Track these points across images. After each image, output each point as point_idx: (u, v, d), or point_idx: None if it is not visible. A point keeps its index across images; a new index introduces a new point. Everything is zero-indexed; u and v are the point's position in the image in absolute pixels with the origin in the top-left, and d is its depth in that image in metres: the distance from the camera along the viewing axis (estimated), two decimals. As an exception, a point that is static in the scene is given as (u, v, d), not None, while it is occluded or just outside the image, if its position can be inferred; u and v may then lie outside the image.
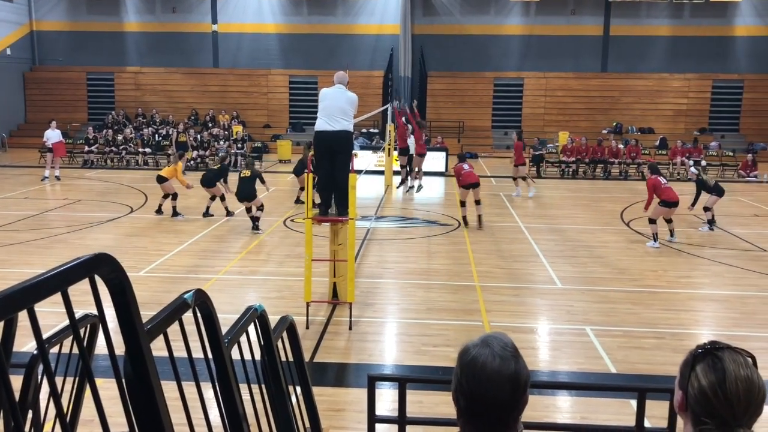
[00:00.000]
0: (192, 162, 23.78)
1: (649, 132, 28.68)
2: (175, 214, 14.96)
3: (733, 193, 18.58)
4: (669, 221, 13.07)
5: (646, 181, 13.51)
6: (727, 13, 28.89)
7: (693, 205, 14.29)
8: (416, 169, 18.52)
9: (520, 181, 18.63)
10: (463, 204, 14.48)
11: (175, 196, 15.02)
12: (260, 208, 13.91)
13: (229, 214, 15.04)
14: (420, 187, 18.29)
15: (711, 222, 14.42)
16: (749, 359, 1.53)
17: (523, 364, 1.56)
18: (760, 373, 1.54)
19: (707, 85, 29.33)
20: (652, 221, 12.91)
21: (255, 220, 13.76)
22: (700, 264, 11.81)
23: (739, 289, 10.27)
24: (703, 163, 23.39)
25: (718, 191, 14.31)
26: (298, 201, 16.44)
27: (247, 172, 14.08)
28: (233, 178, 14.82)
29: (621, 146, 23.90)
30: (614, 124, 28.90)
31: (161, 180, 14.92)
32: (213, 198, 15.12)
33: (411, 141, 18.85)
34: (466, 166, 14.51)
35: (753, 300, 9.72)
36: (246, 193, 13.80)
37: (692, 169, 15.65)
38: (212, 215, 14.96)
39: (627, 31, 29.20)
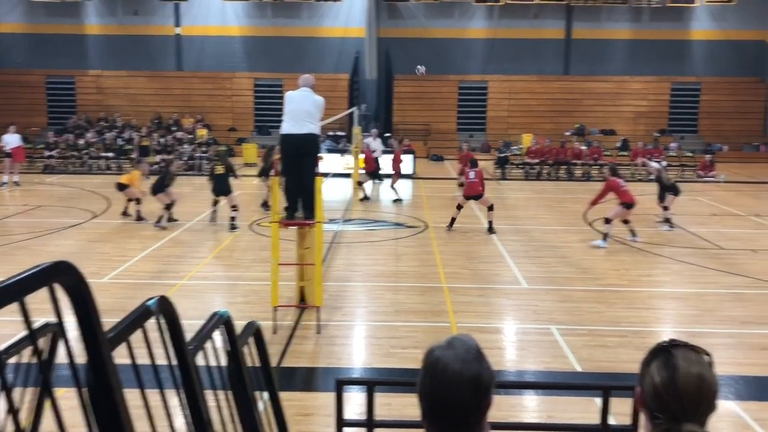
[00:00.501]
0: (156, 166, 23.47)
1: (611, 133, 29.18)
2: (139, 218, 14.74)
3: (692, 193, 19.01)
4: (626, 222, 13.19)
5: (605, 182, 13.65)
6: (684, 17, 29.56)
7: (661, 199, 14.62)
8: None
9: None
10: (459, 207, 14.33)
11: (139, 201, 14.80)
12: (235, 207, 14.15)
13: (170, 220, 14.45)
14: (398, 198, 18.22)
15: (668, 221, 14.73)
16: (705, 357, 1.58)
17: (486, 366, 1.58)
18: (716, 370, 1.58)
19: (666, 87, 29.96)
20: (608, 221, 12.97)
21: (231, 219, 14.10)
22: (660, 262, 12.05)
23: (698, 287, 10.52)
24: (664, 163, 23.90)
25: (675, 190, 14.64)
26: (264, 205, 16.34)
27: (221, 169, 14.47)
28: (184, 182, 14.78)
29: (583, 148, 24.26)
30: (577, 126, 29.33)
31: (122, 187, 14.85)
32: (168, 206, 14.47)
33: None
34: (472, 174, 14.14)
35: (711, 297, 9.95)
36: (221, 188, 14.29)
37: (653, 164, 15.89)
38: (176, 220, 14.71)
39: (588, 34, 29.68)
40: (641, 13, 29.58)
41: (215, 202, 14.98)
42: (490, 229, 13.96)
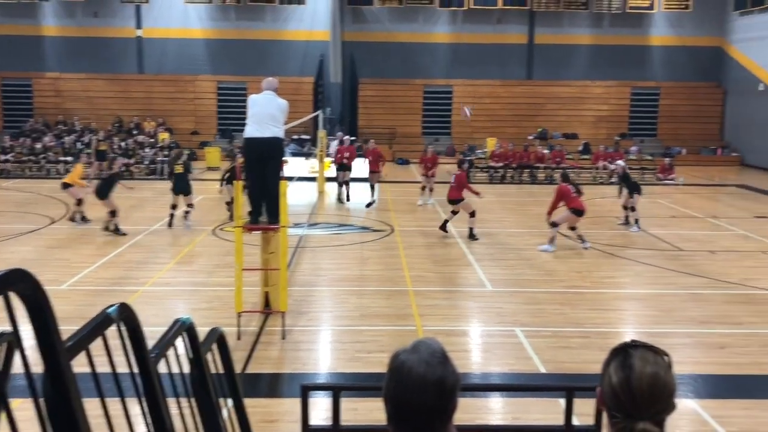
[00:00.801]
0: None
1: (573, 137, 29.62)
2: (83, 220, 14.56)
3: (652, 196, 19.39)
4: (573, 228, 13.15)
5: (557, 187, 13.57)
6: (643, 23, 30.19)
7: (629, 195, 14.90)
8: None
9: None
10: (453, 212, 14.11)
11: (80, 202, 14.54)
12: (191, 206, 14.70)
13: (117, 232, 13.70)
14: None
15: (629, 221, 14.96)
16: (662, 357, 1.61)
17: (451, 369, 1.58)
18: (675, 369, 1.61)
19: (626, 92, 30.54)
20: (554, 225, 12.95)
21: (186, 213, 14.65)
22: (622, 264, 12.26)
23: (659, 288, 10.73)
24: (612, 167, 24.38)
25: (638, 190, 14.94)
26: (230, 204, 16.22)
27: (180, 168, 14.76)
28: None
29: (546, 151, 24.57)
30: (539, 129, 29.71)
31: (65, 186, 14.69)
32: (112, 213, 13.71)
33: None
34: (452, 178, 13.98)
35: (671, 298, 10.16)
36: (181, 187, 14.56)
37: (619, 162, 16.07)
38: (124, 234, 13.70)
39: (550, 39, 30.10)
40: (602, 19, 30.12)
41: (174, 206, 14.68)
42: (471, 236, 13.73)
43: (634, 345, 1.63)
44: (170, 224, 14.60)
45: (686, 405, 6.56)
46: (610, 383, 1.59)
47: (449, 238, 13.95)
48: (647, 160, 26.25)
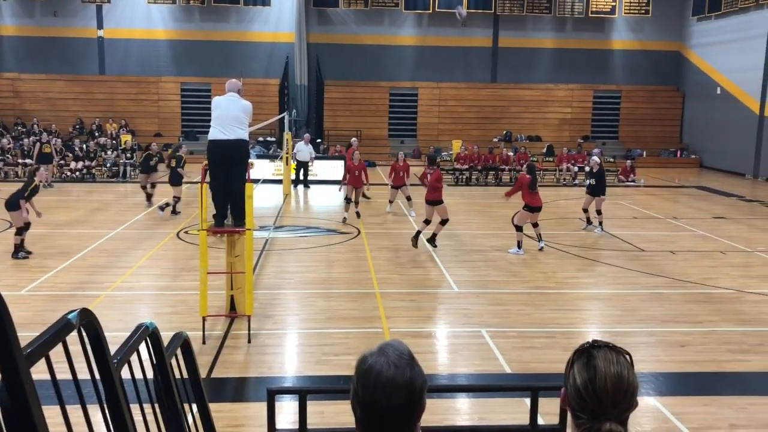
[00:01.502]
0: (78, 173, 22.67)
1: (537, 140, 29.98)
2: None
3: (614, 197, 19.72)
4: (535, 225, 13.19)
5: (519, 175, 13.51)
6: (605, 28, 30.72)
7: (601, 193, 14.90)
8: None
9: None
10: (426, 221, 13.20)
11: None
12: (175, 198, 16.18)
13: (19, 252, 11.79)
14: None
15: (594, 223, 15.21)
16: (624, 357, 1.64)
17: (419, 371, 1.59)
18: (637, 368, 1.64)
19: (589, 95, 31.05)
20: (518, 228, 13.00)
21: (167, 204, 16.11)
22: (585, 265, 12.44)
23: (621, 288, 10.91)
24: (587, 168, 24.71)
25: (604, 191, 15.05)
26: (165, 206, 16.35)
27: (174, 161, 16.34)
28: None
29: (511, 154, 24.83)
30: (504, 132, 30.02)
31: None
32: (20, 231, 11.75)
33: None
34: (426, 180, 13.14)
35: (633, 297, 10.34)
36: (176, 179, 16.19)
37: (594, 158, 15.99)
38: (29, 253, 11.99)
39: (514, 43, 30.44)
40: (565, 23, 30.56)
41: (144, 187, 17.01)
42: (431, 240, 13.11)
43: (596, 345, 1.65)
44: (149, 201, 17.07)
45: (648, 402, 6.68)
46: (575, 384, 1.61)
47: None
48: (609, 162, 26.70)
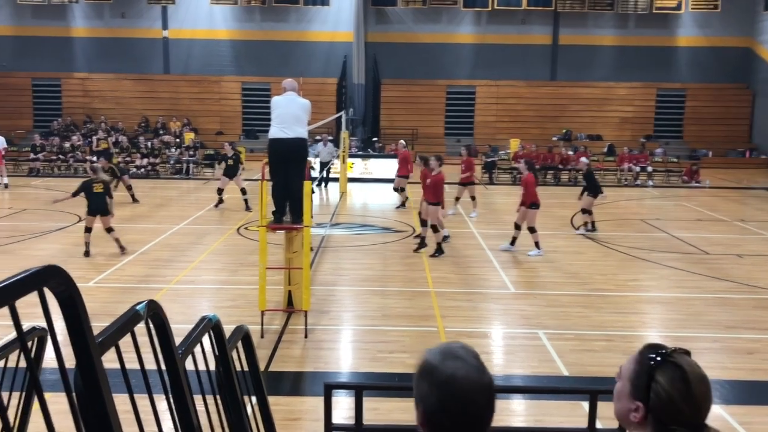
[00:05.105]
0: (143, 170, 23.37)
1: (598, 139, 29.35)
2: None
3: (677, 199, 19.16)
4: (518, 228, 12.85)
5: (523, 177, 13.07)
6: (670, 24, 29.82)
7: (584, 195, 14.55)
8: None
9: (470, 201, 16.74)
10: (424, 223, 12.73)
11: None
12: (242, 190, 17.04)
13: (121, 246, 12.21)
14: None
15: (592, 225, 14.61)
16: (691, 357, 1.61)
17: (489, 371, 1.57)
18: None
19: (652, 93, 30.20)
20: (532, 230, 12.67)
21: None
22: (646, 267, 12.12)
23: (684, 291, 10.59)
24: (650, 168, 24.09)
25: (597, 191, 14.48)
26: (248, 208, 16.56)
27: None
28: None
29: (570, 153, 24.39)
30: (563, 131, 29.50)
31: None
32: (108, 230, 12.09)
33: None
34: (428, 181, 12.61)
35: (697, 301, 10.03)
36: (225, 172, 17.05)
37: (583, 159, 15.81)
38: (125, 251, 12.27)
39: (575, 40, 29.86)
40: (627, 20, 29.81)
41: (220, 190, 17.08)
42: (421, 245, 12.65)
43: (670, 353, 1.61)
44: (217, 205, 17.09)
45: (713, 411, 6.45)
46: (667, 396, 1.57)
47: (472, 240, 13.89)
48: (673, 163, 25.95)
